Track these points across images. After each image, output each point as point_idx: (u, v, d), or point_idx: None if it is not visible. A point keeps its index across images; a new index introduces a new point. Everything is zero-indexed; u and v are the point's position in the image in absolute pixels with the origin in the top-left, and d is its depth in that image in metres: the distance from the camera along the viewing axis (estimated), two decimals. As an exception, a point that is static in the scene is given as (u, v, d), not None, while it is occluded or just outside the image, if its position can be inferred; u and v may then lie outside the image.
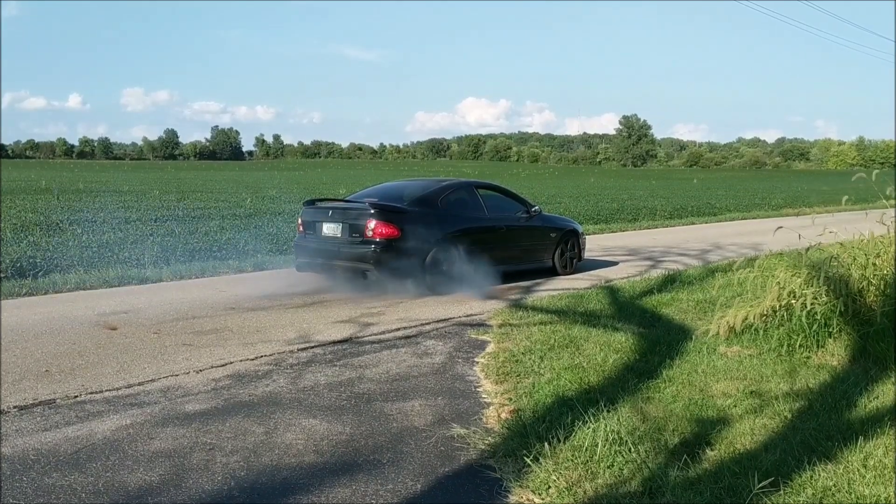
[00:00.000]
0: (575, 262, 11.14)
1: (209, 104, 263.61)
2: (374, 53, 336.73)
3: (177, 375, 5.37)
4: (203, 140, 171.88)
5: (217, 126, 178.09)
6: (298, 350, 6.11)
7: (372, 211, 8.72)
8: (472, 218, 9.67)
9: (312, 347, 6.20)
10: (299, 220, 9.65)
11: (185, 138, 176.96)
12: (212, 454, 3.90)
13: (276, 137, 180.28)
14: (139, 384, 5.16)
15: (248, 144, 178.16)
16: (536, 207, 10.77)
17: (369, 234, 8.59)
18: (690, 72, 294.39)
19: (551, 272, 10.76)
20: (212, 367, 5.61)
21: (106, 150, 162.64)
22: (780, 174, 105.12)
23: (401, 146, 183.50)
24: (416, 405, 4.74)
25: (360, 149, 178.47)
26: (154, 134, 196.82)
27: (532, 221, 10.53)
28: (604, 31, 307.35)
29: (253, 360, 5.81)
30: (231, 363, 5.71)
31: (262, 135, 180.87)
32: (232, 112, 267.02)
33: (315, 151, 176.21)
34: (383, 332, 6.80)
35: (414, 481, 3.59)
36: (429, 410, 4.64)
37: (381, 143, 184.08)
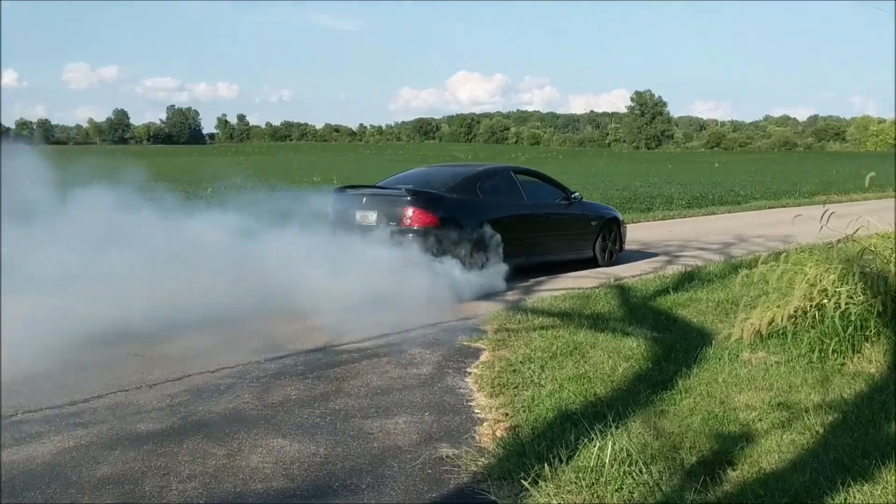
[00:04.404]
0: (616, 253, 11.70)
1: (164, 81, 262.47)
2: (352, 23, 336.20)
3: (127, 391, 5.36)
4: (157, 121, 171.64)
5: (173, 105, 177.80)
6: (265, 361, 6.10)
7: (409, 198, 9.19)
8: (512, 205, 10.23)
9: (282, 357, 6.18)
10: (330, 208, 10.08)
11: (137, 119, 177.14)
12: (166, 480, 3.90)
13: (241, 118, 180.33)
14: (84, 401, 5.14)
15: (208, 126, 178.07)
16: (577, 194, 11.33)
17: (407, 221, 9.04)
18: (711, 42, 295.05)
19: (591, 263, 11.25)
20: (167, 380, 5.60)
21: (46, 134, 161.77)
22: (813, 156, 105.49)
23: (383, 127, 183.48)
24: (399, 422, 4.75)
25: (336, 130, 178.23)
26: (101, 115, 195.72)
27: (572, 209, 11.11)
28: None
29: (213, 372, 5.80)
30: (189, 376, 5.70)
31: (224, 115, 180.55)
32: (190, 90, 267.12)
33: (286, 133, 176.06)
34: (363, 340, 6.79)
35: (397, 509, 3.60)
36: (414, 428, 4.65)
37: (361, 124, 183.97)
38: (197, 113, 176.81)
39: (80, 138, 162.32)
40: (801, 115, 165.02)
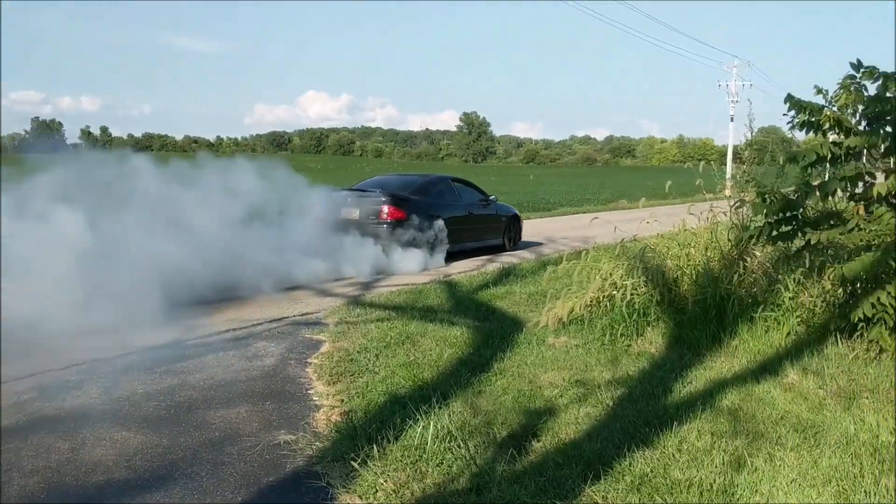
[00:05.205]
0: (517, 241, 13.66)
1: (28, 94, 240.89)
2: (209, 44, 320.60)
3: (-28, 390, 4.83)
4: (22, 132, 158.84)
5: (38, 117, 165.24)
6: (114, 357, 5.66)
7: (384, 198, 10.90)
8: (452, 205, 12.04)
9: (129, 354, 5.74)
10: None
11: (3, 130, 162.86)
12: (8, 475, 3.54)
13: (104, 129, 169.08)
14: (-73, 402, 4.60)
15: (72, 137, 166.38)
16: (493, 197, 13.37)
17: (384, 216, 10.75)
18: (525, 71, 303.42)
19: (498, 249, 13.03)
20: (15, 378, 5.09)
21: None
22: (610, 170, 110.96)
23: (240, 139, 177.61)
24: (241, 412, 4.51)
25: (195, 141, 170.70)
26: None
27: (490, 208, 13.01)
28: (442, 28, 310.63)
29: (62, 369, 5.32)
30: (37, 374, 5.21)
31: (87, 127, 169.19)
32: (54, 103, 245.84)
33: (147, 144, 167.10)
34: (210, 335, 6.44)
35: (234, 493, 3.40)
36: (255, 417, 4.43)
37: (219, 136, 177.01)
38: (61, 125, 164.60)
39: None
40: (600, 135, 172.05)
